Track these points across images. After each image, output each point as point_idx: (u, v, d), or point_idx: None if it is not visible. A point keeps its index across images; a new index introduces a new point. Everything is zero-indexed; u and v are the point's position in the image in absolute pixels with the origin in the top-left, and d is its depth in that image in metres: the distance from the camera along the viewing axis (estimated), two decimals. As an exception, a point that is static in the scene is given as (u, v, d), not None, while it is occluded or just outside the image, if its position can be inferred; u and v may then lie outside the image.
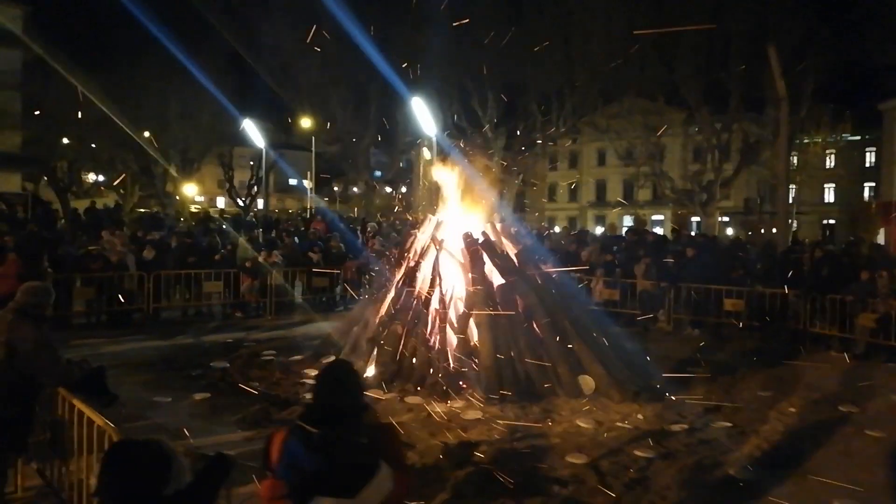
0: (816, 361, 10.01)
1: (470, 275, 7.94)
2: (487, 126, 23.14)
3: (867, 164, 53.02)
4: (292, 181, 46.13)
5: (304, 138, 33.22)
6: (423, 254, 8.45)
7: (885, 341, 10.05)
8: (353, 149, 27.62)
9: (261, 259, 13.02)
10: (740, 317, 11.79)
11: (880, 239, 33.86)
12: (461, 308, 7.92)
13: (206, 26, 23.82)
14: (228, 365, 8.86)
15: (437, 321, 7.89)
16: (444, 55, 21.11)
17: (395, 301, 8.31)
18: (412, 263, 8.49)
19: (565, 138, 27.13)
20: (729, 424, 6.64)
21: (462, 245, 8.17)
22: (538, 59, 20.82)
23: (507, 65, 21.86)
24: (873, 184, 50.68)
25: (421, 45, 21.12)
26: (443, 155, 22.41)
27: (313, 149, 32.68)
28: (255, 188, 31.34)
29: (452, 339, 7.78)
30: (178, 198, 31.39)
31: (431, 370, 7.58)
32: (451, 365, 7.53)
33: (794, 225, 48.58)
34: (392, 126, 26.96)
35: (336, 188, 45.94)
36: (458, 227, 8.56)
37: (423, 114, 18.78)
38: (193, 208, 30.93)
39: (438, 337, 7.79)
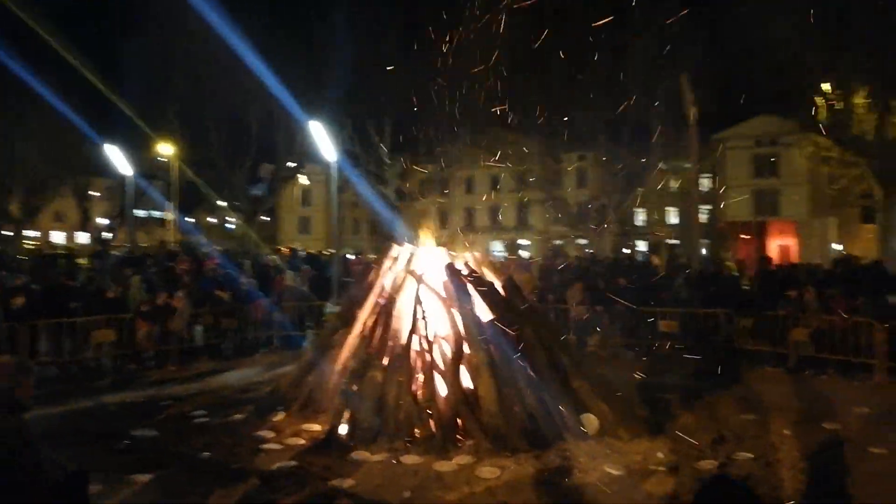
0: (761, 378, 10.27)
1: (455, 311, 7.14)
2: (384, 152, 22.41)
3: (704, 189, 58.53)
4: (156, 213, 42.24)
5: (169, 165, 30.47)
6: (397, 289, 7.52)
7: (819, 354, 10.51)
8: (229, 175, 25.66)
9: (160, 301, 11.27)
10: (675, 338, 11.93)
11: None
12: (446, 350, 7.09)
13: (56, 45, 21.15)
14: (157, 433, 7.34)
15: (422, 366, 6.99)
16: (339, 79, 20.20)
17: (366, 345, 7.29)
18: (383, 301, 7.52)
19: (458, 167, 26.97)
20: (751, 455, 6.36)
21: (444, 278, 7.35)
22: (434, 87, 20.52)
23: (403, 91, 21.37)
24: (710, 206, 56.05)
25: (314, 66, 20.07)
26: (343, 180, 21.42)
27: (178, 176, 30.06)
28: (119, 221, 28.13)
29: (441, 385, 6.92)
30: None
31: (422, 423, 6.66)
32: (444, 415, 6.65)
33: (645, 245, 52.25)
34: (272, 151, 25.43)
35: (210, 219, 42.70)
36: (433, 259, 7.74)
37: (322, 138, 17.61)
38: (30, 245, 27.16)
39: (424, 384, 6.89)
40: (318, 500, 5.41)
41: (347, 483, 5.71)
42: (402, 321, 7.36)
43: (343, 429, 6.90)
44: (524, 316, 7.26)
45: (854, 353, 9.99)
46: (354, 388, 6.98)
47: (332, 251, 29.28)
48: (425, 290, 7.31)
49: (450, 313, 7.19)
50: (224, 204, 50.25)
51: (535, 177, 24.40)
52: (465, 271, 7.41)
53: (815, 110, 19.40)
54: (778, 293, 11.34)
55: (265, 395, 8.59)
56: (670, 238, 50.81)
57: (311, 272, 14.47)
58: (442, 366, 6.93)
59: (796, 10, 17.70)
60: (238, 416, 7.88)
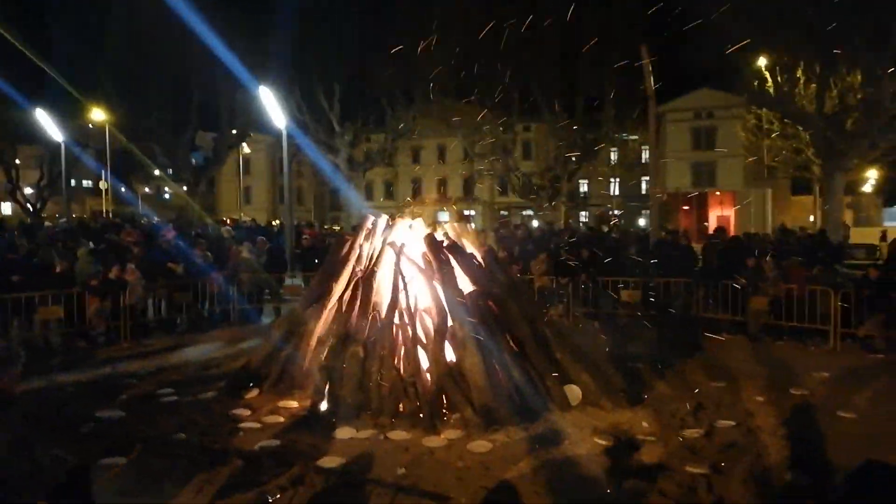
0: (722, 346, 10.56)
1: (436, 284, 6.97)
2: (334, 120, 21.77)
3: (643, 161, 59.88)
4: (86, 182, 40.08)
5: (102, 132, 28.93)
6: (376, 261, 7.28)
7: (776, 321, 10.86)
8: (169, 144, 24.50)
9: (112, 275, 10.66)
10: (637, 307, 12.13)
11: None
12: (428, 323, 6.94)
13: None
14: (124, 414, 6.95)
15: (404, 340, 6.82)
16: (287, 44, 19.44)
17: (345, 319, 7.05)
18: (361, 273, 7.28)
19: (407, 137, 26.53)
20: (732, 423, 6.49)
21: (424, 249, 7.15)
22: (386, 55, 20.04)
23: (354, 58, 20.76)
24: (647, 178, 57.41)
25: (260, 30, 19.22)
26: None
27: (107, 144, 28.56)
28: (47, 191, 26.54)
29: (424, 359, 6.77)
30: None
31: (407, 398, 6.51)
32: (429, 390, 6.52)
33: (587, 215, 53.19)
34: (216, 118, 24.41)
35: (147, 189, 40.83)
36: (410, 230, 7.52)
37: (271, 105, 16.97)
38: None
39: (408, 358, 6.73)
40: (309, 481, 5.22)
41: (337, 461, 5.53)
42: (381, 294, 7.15)
43: (324, 405, 6.71)
44: (506, 288, 7.16)
45: (810, 320, 10.35)
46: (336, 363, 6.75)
47: (277, 222, 28.67)
48: (405, 262, 7.11)
49: (431, 286, 7.03)
50: (158, 173, 48.33)
51: (485, 147, 24.25)
52: (445, 242, 7.23)
53: (759, 84, 19.86)
54: (736, 263, 11.63)
55: (234, 371, 8.26)
56: (615, 209, 51.91)
57: (268, 244, 13.99)
58: (425, 339, 6.78)
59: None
60: (209, 394, 7.57)
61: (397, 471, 5.34)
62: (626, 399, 7.07)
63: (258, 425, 6.50)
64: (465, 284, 7.07)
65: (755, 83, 19.88)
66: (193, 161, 26.11)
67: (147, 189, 50.16)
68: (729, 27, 18.34)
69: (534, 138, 26.87)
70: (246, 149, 31.15)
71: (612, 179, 58.28)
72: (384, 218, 7.76)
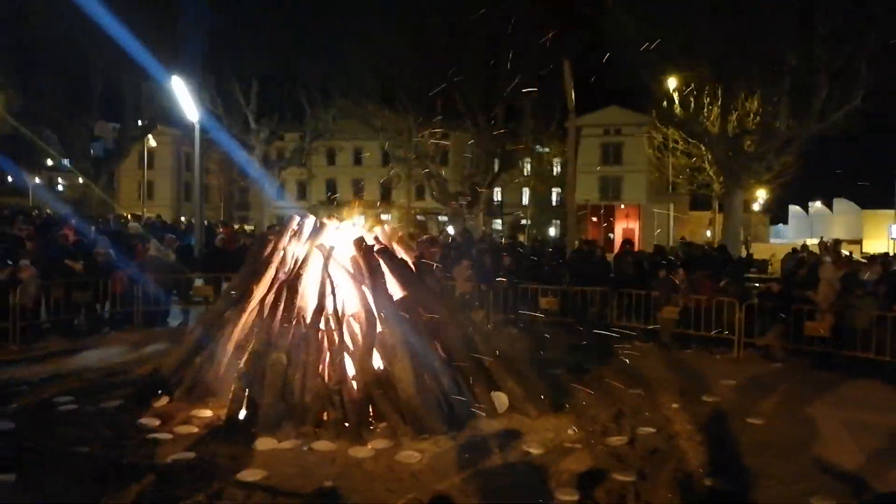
0: (635, 353, 10.90)
1: (365, 289, 6.78)
2: (250, 116, 21.00)
3: (554, 173, 61.64)
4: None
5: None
6: (301, 264, 6.99)
7: (685, 330, 11.34)
8: (66, 131, 22.86)
9: (2, 274, 9.75)
10: (554, 314, 12.36)
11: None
12: (355, 329, 6.73)
13: None
14: (14, 425, 6.32)
15: (329, 346, 6.58)
16: (202, 33, 18.58)
17: (266, 324, 6.73)
18: (285, 276, 6.97)
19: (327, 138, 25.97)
20: (652, 430, 6.65)
21: (353, 252, 6.93)
22: (309, 52, 19.58)
23: (274, 52, 20.12)
24: (559, 189, 59.12)
25: (173, 17, 18.28)
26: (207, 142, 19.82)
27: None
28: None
29: (349, 367, 6.56)
30: None
31: (332, 406, 6.27)
32: (356, 398, 6.31)
33: (500, 224, 54.15)
34: (120, 107, 23.01)
35: (38, 179, 37.81)
36: (339, 232, 7.28)
37: (184, 96, 16.12)
38: None
39: (333, 365, 6.49)
40: (229, 496, 4.90)
41: (258, 474, 5.24)
42: (306, 299, 6.87)
43: (242, 414, 6.36)
44: (436, 294, 7.07)
45: (716, 329, 10.87)
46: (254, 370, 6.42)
47: (184, 220, 27.35)
48: (333, 265, 6.87)
49: (360, 290, 6.82)
50: (51, 163, 44.96)
51: (407, 152, 24.16)
52: (375, 246, 7.04)
53: (668, 105, 20.88)
54: (648, 274, 12.08)
55: (140, 377, 7.75)
56: (527, 218, 53.06)
57: (178, 242, 13.26)
58: (352, 346, 6.57)
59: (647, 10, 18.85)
60: (112, 403, 7.00)
61: (324, 483, 5.12)
62: (549, 406, 7.13)
63: (170, 436, 6.08)
64: (395, 290, 6.92)
65: (664, 104, 20.83)
66: (92, 151, 24.47)
67: (38, 179, 46.64)
68: (641, 51, 19.20)
69: (449, 145, 27.01)
70: (152, 142, 29.53)
71: (523, 189, 59.72)
72: (311, 219, 7.48)
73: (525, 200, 61.27)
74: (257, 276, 7.26)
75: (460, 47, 18.96)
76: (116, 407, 6.90)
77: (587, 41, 21.23)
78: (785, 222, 64.81)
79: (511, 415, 6.78)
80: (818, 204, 66.15)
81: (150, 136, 27.94)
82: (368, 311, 6.63)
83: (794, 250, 16.08)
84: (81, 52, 21.27)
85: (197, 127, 16.46)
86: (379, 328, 6.52)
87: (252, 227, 26.80)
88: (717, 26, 17.18)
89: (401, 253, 7.36)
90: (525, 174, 43.71)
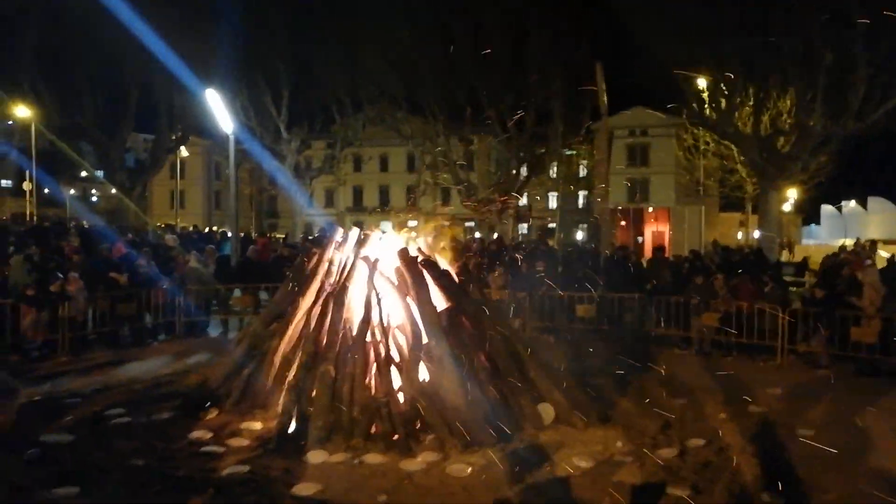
0: (673, 361, 10.77)
1: (410, 300, 6.82)
2: (282, 125, 21.27)
3: (580, 176, 61.25)
4: (5, 182, 37.59)
5: (24, 130, 27.44)
6: (347, 276, 7.06)
7: (726, 338, 11.19)
8: (102, 144, 23.37)
9: (54, 286, 9.99)
10: (591, 322, 12.29)
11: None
12: (401, 340, 6.78)
13: None
14: (73, 437, 6.47)
15: (376, 358, 6.63)
16: (234, 46, 18.88)
17: (313, 336, 6.80)
18: (331, 288, 7.05)
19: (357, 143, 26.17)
20: (703, 441, 6.59)
21: (397, 264, 6.99)
22: (336, 60, 19.76)
23: (302, 62, 20.36)
24: (585, 192, 58.76)
25: (205, 30, 18.60)
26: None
27: (33, 141, 27.04)
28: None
29: (395, 378, 6.60)
30: None
31: (380, 419, 6.32)
32: (404, 410, 6.35)
33: (526, 228, 53.92)
34: (155, 120, 23.45)
35: (73, 191, 38.70)
36: (381, 244, 7.34)
37: (219, 108, 16.41)
38: None
39: (380, 377, 6.54)
40: (286, 510, 4.98)
41: (313, 489, 5.30)
42: (352, 311, 6.94)
43: (292, 427, 6.43)
44: (480, 304, 7.09)
45: (759, 336, 10.71)
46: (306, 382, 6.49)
47: (217, 229, 27.75)
48: (378, 277, 6.93)
49: (404, 302, 6.87)
50: (86, 174, 45.87)
51: (435, 158, 24.25)
52: (419, 258, 7.09)
53: (699, 105, 20.64)
54: (685, 279, 11.95)
55: (188, 389, 7.87)
56: (554, 222, 52.79)
57: (216, 253, 13.47)
58: (398, 358, 6.61)
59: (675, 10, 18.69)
60: (163, 415, 7.14)
61: (378, 498, 5.16)
62: (596, 417, 7.10)
63: (222, 449, 6.17)
64: (439, 301, 6.95)
65: (695, 104, 20.60)
66: (130, 164, 24.96)
67: (73, 191, 47.71)
68: (671, 50, 19.02)
69: (477, 150, 27.08)
70: (184, 152, 30.05)
71: (549, 193, 59.50)
72: (356, 230, 7.55)
73: (551, 204, 61.24)
74: (303, 287, 7.34)
75: (487, 51, 18.97)
76: (167, 419, 7.03)
77: (614, 41, 21.15)
78: (817, 222, 63.64)
79: (557, 427, 6.75)
80: (852, 203, 64.86)
81: (183, 147, 28.40)
82: (414, 322, 6.68)
83: (835, 253, 15.77)
84: (118, 65, 21.75)
85: (231, 138, 16.74)
86: (425, 340, 6.56)
87: (283, 236, 27.05)
88: (748, 22, 16.94)
89: (443, 263, 7.39)
90: (554, 178, 43.55)
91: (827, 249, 21.94)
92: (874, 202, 64.99)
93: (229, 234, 18.06)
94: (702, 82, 20.50)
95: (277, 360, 7.13)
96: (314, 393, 6.44)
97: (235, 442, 6.33)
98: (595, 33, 20.93)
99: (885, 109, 16.53)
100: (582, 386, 8.04)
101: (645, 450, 6.29)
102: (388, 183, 56.07)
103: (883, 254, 23.28)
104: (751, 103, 20.46)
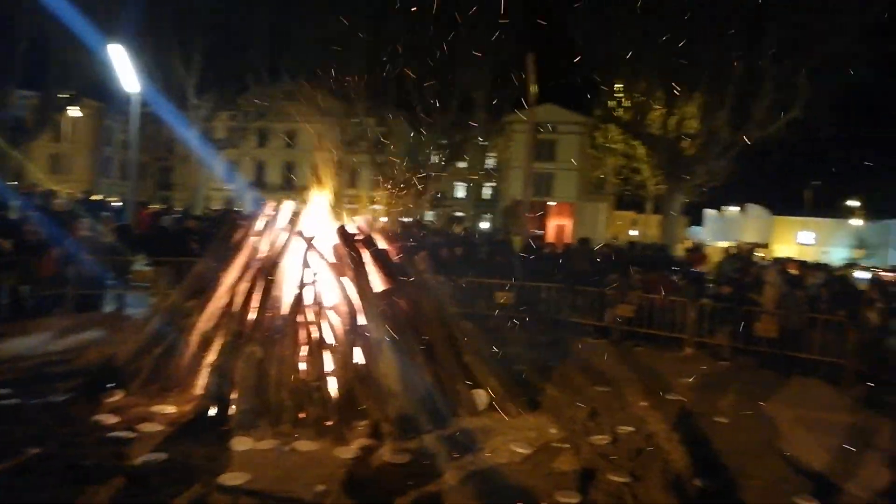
0: (589, 350, 11.00)
1: (346, 281, 6.48)
2: (191, 91, 19.91)
3: (486, 167, 62.00)
4: None
5: None
6: (278, 253, 6.59)
7: (638, 328, 11.54)
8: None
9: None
10: (510, 309, 12.34)
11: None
12: (335, 322, 6.43)
13: None
14: (-52, 420, 5.68)
15: (308, 339, 6.25)
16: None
17: (239, 314, 6.32)
18: (260, 264, 6.56)
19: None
20: (632, 429, 6.69)
21: (336, 242, 6.60)
22: (257, 27, 18.70)
23: (217, 26, 19.10)
24: (494, 184, 59.62)
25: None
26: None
27: None
28: None
29: (328, 361, 6.25)
30: None
31: (311, 404, 5.96)
32: (338, 395, 6.03)
33: (432, 216, 54.03)
34: (42, 75, 21.39)
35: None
36: (317, 219, 6.92)
37: (123, 65, 15.11)
38: None
39: (313, 360, 6.17)
40: (213, 501, 4.56)
41: (241, 478, 4.90)
42: (283, 289, 6.50)
43: (212, 411, 5.95)
44: (419, 286, 6.85)
45: (669, 328, 11.12)
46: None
47: (99, 198, 25.77)
48: (313, 254, 6.53)
49: (340, 282, 6.51)
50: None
51: (354, 137, 23.60)
52: (358, 235, 6.75)
53: (615, 105, 21.29)
54: (602, 271, 12.24)
55: (87, 368, 7.16)
56: (458, 211, 53.17)
57: (114, 222, 12.40)
58: (333, 340, 6.26)
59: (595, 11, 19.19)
60: (59, 397, 6.42)
61: (315, 487, 4.83)
62: (526, 404, 7.06)
63: (133, 434, 5.61)
64: (377, 281, 6.65)
65: (609, 104, 21.21)
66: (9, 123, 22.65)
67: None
68: (589, 50, 19.47)
69: (395, 133, 26.62)
70: (77, 112, 27.63)
71: (456, 183, 59.80)
72: (289, 204, 7.09)
73: (458, 193, 61.55)
74: (226, 262, 6.81)
75: (417, 36, 18.60)
76: (64, 401, 6.33)
77: (532, 37, 21.34)
78: (700, 224, 67.89)
79: (491, 413, 6.65)
80: (733, 208, 69.74)
81: (72, 107, 26.17)
82: (350, 303, 6.34)
83: (734, 255, 16.72)
84: (7, 14, 19.62)
85: (137, 100, 15.51)
86: (361, 322, 6.24)
87: (183, 209, 25.49)
88: (667, 31, 17.61)
89: (382, 243, 7.08)
90: (460, 167, 43.77)
91: (711, 251, 23.35)
92: (752, 209, 70.21)
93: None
94: (618, 84, 21.12)
95: (195, 338, 6.57)
96: (238, 375, 5.97)
97: (148, 427, 5.77)
98: (526, 25, 21.04)
99: (785, 120, 17.65)
100: (508, 373, 8.02)
101: (578, 437, 6.32)
102: (294, 160, 54.35)
103: (758, 254, 24.99)
104: (658, 106, 21.30)
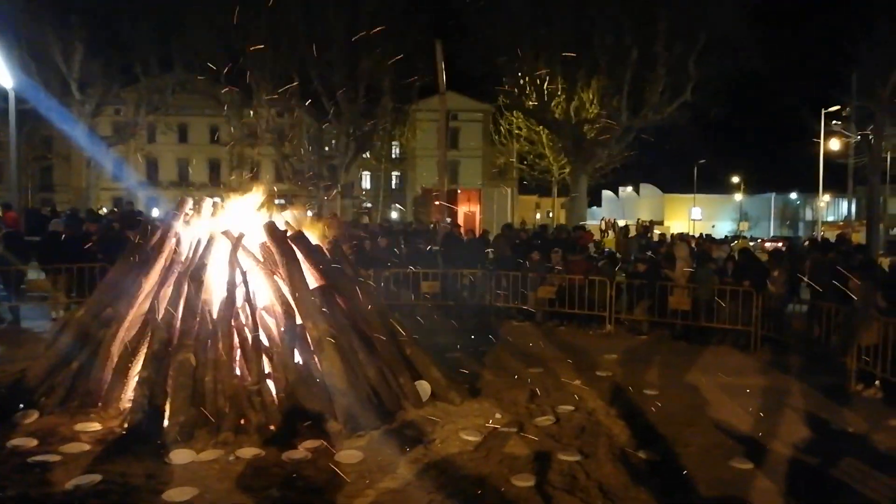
0: (515, 332, 11.22)
1: (278, 279, 6.23)
2: (73, 85, 18.45)
3: (394, 157, 61.82)
4: None
5: None
6: (204, 253, 6.23)
7: (560, 308, 11.86)
8: None
9: None
10: (436, 298, 12.36)
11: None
12: (269, 322, 6.17)
13: None
14: None
15: (242, 343, 5.97)
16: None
17: (166, 321, 5.94)
18: (184, 266, 6.18)
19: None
20: (571, 408, 6.85)
21: (265, 239, 6.32)
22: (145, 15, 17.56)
23: (96, 14, 17.77)
24: (398, 173, 59.43)
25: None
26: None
27: None
28: None
29: (266, 364, 6.00)
30: None
31: (252, 409, 5.71)
32: (279, 398, 5.81)
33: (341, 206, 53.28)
34: None
35: None
36: (240, 216, 6.60)
37: (-8, 58, 13.82)
38: None
39: (249, 364, 5.90)
40: (160, 522, 4.28)
41: (189, 493, 4.61)
42: (211, 291, 6.17)
43: (144, 425, 5.57)
44: (353, 281, 6.69)
45: (590, 307, 11.49)
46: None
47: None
48: (242, 253, 6.22)
49: (272, 281, 6.26)
50: None
51: (256, 130, 22.71)
52: (288, 231, 6.49)
53: (519, 93, 21.69)
54: (523, 255, 12.48)
55: (-4, 389, 6.52)
56: (365, 201, 52.68)
57: (4, 229, 11.36)
58: (268, 342, 6.01)
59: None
60: (-33, 422, 5.81)
61: (271, 493, 4.63)
62: (467, 392, 7.09)
63: (57, 458, 5.16)
64: (310, 278, 6.43)
65: (515, 91, 21.57)
66: None
67: None
68: (492, 38, 19.72)
69: (301, 124, 25.88)
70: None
71: (363, 172, 59.13)
72: (209, 202, 6.71)
73: (364, 184, 60.88)
74: (145, 266, 6.37)
75: (319, 24, 18.10)
76: (-27, 426, 5.74)
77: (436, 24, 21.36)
78: (598, 205, 70.84)
79: (435, 403, 6.62)
80: (629, 189, 73.19)
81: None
82: (285, 302, 6.11)
83: (641, 234, 17.51)
84: None
85: (11, 95, 14.26)
86: (298, 320, 6.03)
87: (70, 210, 23.72)
88: (566, 18, 18.12)
89: (313, 238, 6.84)
90: (365, 157, 43.32)
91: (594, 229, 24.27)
92: (645, 188, 73.91)
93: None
94: (518, 70, 21.49)
95: (116, 349, 6.14)
96: (170, 385, 5.62)
97: (73, 448, 5.33)
98: (428, 13, 20.98)
99: (677, 104, 18.61)
100: (445, 361, 8.03)
101: (523, 420, 6.41)
102: (188, 156, 51.93)
103: (657, 233, 26.30)
104: (560, 93, 21.91)
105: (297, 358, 6.04)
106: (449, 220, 17.19)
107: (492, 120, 36.99)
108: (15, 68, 15.41)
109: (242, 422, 5.67)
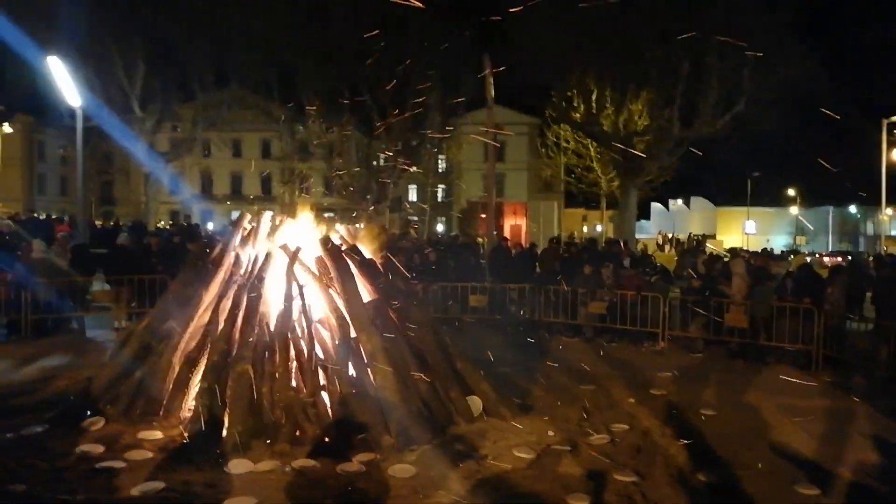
0: (565, 348, 11.09)
1: (333, 293, 6.32)
2: (135, 102, 19.22)
3: (440, 170, 62.15)
4: None
5: None
6: (262, 267, 6.38)
7: (612, 324, 11.68)
8: None
9: None
10: (483, 311, 12.34)
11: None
12: (324, 336, 6.27)
13: None
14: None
15: (298, 355, 6.08)
16: (78, 9, 16.74)
17: (225, 333, 6.09)
18: (242, 280, 6.34)
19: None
20: (626, 427, 6.73)
21: (320, 254, 6.43)
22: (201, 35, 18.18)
23: (158, 34, 18.48)
24: (444, 186, 59.75)
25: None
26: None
27: None
28: None
29: (321, 376, 6.09)
30: None
31: (307, 421, 5.79)
32: (334, 411, 5.88)
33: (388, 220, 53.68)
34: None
35: None
36: (296, 231, 6.74)
37: (63, 78, 14.48)
38: None
39: (305, 376, 6.01)
40: (221, 530, 4.37)
41: (248, 502, 4.70)
42: (268, 304, 6.31)
43: (203, 435, 5.71)
44: (407, 295, 6.74)
45: (642, 323, 11.28)
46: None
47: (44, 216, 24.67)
48: (298, 267, 6.35)
49: (327, 294, 6.36)
50: None
51: (306, 144, 23.20)
52: (343, 246, 6.60)
53: (567, 106, 21.58)
54: (572, 270, 12.34)
55: (60, 397, 6.80)
56: (412, 215, 53.01)
57: (71, 241, 11.87)
58: (324, 355, 6.11)
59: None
60: (35, 429, 6.06)
61: (325, 506, 4.69)
62: (518, 408, 7.04)
63: (123, 464, 5.33)
64: (364, 292, 6.52)
65: (563, 104, 21.48)
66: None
67: None
68: (541, 53, 19.68)
69: (350, 138, 26.34)
70: (6, 128, 26.42)
71: (409, 186, 59.59)
72: (268, 216, 6.88)
73: (410, 197, 61.36)
74: (205, 279, 6.56)
75: (365, 41, 18.43)
76: (41, 433, 5.98)
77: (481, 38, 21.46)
78: (647, 218, 69.58)
79: (486, 419, 6.60)
80: (679, 202, 71.73)
81: (5, 123, 25.03)
82: (340, 315, 6.19)
83: (692, 249, 17.17)
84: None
85: (80, 114, 14.91)
86: (353, 334, 6.11)
87: (132, 223, 24.61)
88: (618, 31, 17.98)
89: (367, 252, 6.94)
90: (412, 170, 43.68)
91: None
92: (696, 201, 72.26)
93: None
94: (569, 84, 21.36)
95: (178, 360, 6.32)
96: (229, 395, 5.75)
97: (137, 455, 5.50)
98: (479, 27, 21.09)
99: (730, 115, 18.22)
100: (495, 376, 7.99)
101: (576, 438, 6.33)
102: (241, 169, 53.30)
103: (709, 247, 25.71)
104: (608, 105, 21.70)
105: (351, 371, 6.11)
106: (495, 233, 17.19)
107: (538, 132, 36.87)
108: (82, 87, 16.11)
109: (298, 433, 5.76)
